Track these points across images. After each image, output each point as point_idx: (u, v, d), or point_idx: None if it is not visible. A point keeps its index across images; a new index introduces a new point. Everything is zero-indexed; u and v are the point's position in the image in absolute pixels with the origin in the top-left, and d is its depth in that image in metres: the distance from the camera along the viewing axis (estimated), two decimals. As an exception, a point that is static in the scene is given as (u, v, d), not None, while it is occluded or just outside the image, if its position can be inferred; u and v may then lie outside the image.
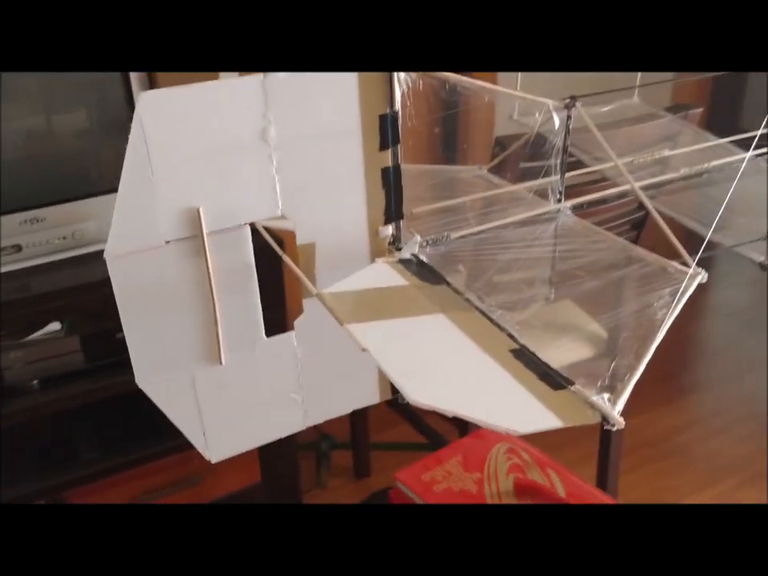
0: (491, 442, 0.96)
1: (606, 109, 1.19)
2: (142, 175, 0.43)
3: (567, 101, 0.57)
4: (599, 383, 0.40)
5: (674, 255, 0.58)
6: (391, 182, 0.53)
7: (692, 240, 0.75)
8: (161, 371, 0.51)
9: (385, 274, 0.51)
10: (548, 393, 0.39)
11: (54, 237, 1.20)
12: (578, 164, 0.95)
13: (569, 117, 0.58)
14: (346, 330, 0.43)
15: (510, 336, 0.45)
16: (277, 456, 1.53)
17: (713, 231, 0.85)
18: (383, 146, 0.52)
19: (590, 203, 0.80)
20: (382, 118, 0.51)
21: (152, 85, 1.45)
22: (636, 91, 1.18)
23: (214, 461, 0.56)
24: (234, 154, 0.47)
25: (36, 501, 1.25)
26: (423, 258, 0.55)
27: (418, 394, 0.37)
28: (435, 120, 0.58)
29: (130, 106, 1.24)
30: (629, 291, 0.54)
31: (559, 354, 0.46)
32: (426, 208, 0.60)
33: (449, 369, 0.41)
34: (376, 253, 0.56)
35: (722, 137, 0.96)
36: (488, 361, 0.42)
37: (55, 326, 1.26)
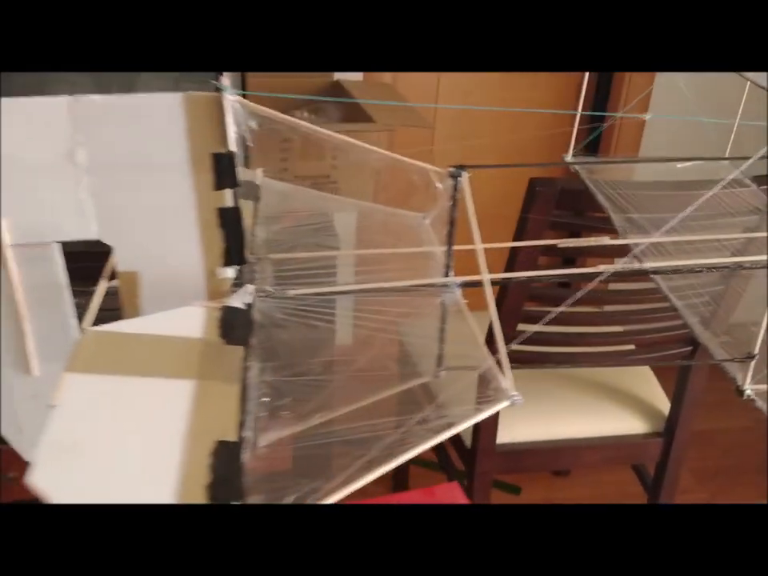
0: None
1: (685, 165, 1.05)
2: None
3: (452, 170, 0.50)
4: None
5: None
6: (230, 225, 0.50)
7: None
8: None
9: (187, 321, 0.48)
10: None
11: None
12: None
13: (455, 187, 0.50)
14: (62, 377, 0.41)
15: (241, 424, 0.40)
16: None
17: (706, 339, 0.72)
18: (219, 186, 0.49)
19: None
20: (216, 158, 0.48)
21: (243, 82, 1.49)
22: (727, 149, 1.03)
23: (33, 464, 0.56)
24: (41, 172, 0.46)
25: None
26: (257, 309, 0.51)
27: (41, 474, 0.34)
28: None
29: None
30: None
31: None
32: (285, 255, 0.55)
33: (117, 454, 0.37)
34: (216, 292, 0.52)
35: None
36: (174, 455, 0.37)
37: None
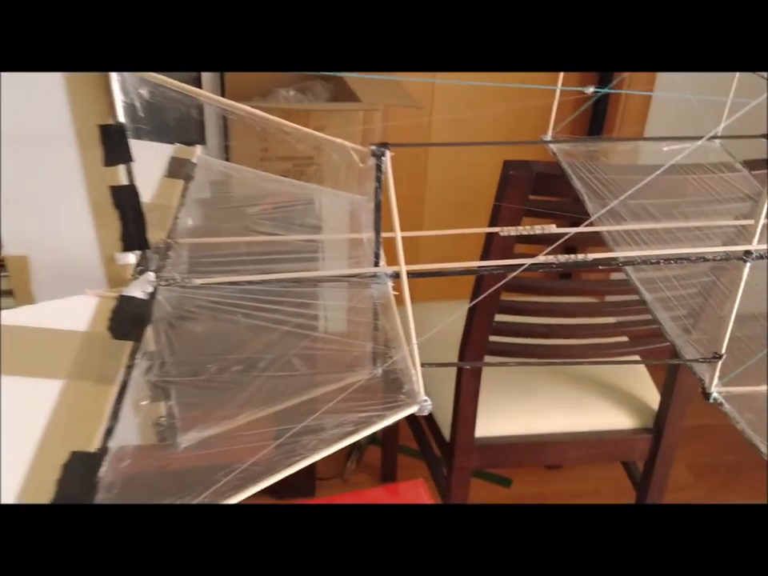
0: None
1: (672, 147, 0.99)
2: None
3: (374, 148, 0.44)
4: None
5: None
6: (126, 204, 0.45)
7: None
8: None
9: (75, 312, 0.43)
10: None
11: None
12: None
13: (378, 166, 0.45)
14: None
15: (108, 432, 0.36)
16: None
17: (675, 336, 0.67)
18: (110, 162, 0.44)
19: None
20: (104, 130, 0.43)
21: (222, 90, 1.44)
22: (719, 132, 0.97)
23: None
24: None
25: None
26: (162, 298, 0.46)
27: None
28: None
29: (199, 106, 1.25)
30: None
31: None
32: (197, 240, 0.50)
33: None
34: (116, 279, 0.48)
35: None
36: (21, 467, 0.33)
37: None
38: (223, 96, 1.57)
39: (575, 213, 0.97)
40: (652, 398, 1.30)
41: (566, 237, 0.47)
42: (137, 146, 0.45)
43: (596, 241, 0.76)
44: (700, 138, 0.92)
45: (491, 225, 0.95)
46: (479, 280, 1.02)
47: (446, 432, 1.22)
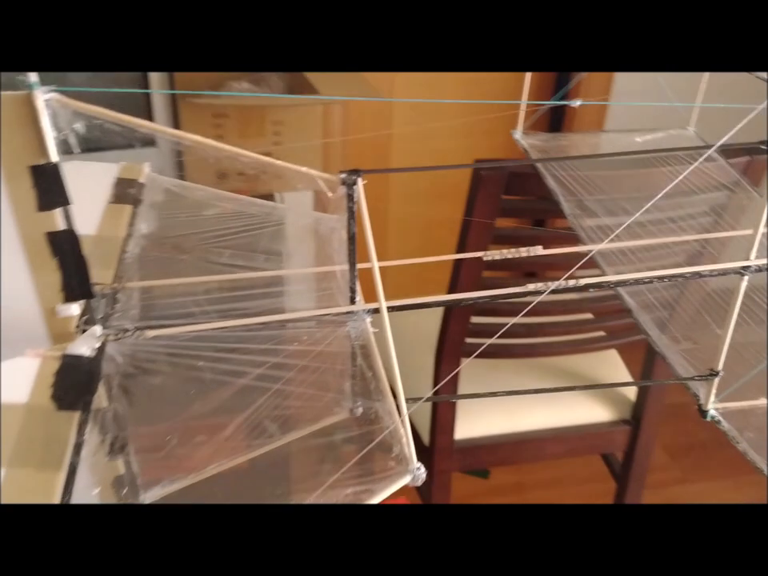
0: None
1: (645, 138, 0.96)
2: None
3: (344, 176, 0.40)
4: None
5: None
6: (65, 251, 0.40)
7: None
8: None
9: (13, 379, 0.38)
10: None
11: None
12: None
13: (350, 195, 0.40)
14: None
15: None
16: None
17: (665, 347, 0.64)
18: (44, 206, 0.38)
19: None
20: (36, 171, 0.37)
21: (172, 85, 1.38)
22: (691, 121, 0.94)
23: None
24: None
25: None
26: (112, 352, 0.41)
27: None
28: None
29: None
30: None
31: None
32: (147, 284, 0.45)
33: None
34: (60, 335, 0.42)
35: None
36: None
37: None
38: (173, 88, 1.48)
39: (550, 211, 0.93)
40: (629, 389, 1.28)
41: (579, 261, 0.43)
42: (76, 167, 0.40)
43: (570, 240, 0.72)
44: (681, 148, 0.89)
45: (463, 227, 0.91)
46: (454, 282, 0.98)
47: (425, 436, 1.19)
